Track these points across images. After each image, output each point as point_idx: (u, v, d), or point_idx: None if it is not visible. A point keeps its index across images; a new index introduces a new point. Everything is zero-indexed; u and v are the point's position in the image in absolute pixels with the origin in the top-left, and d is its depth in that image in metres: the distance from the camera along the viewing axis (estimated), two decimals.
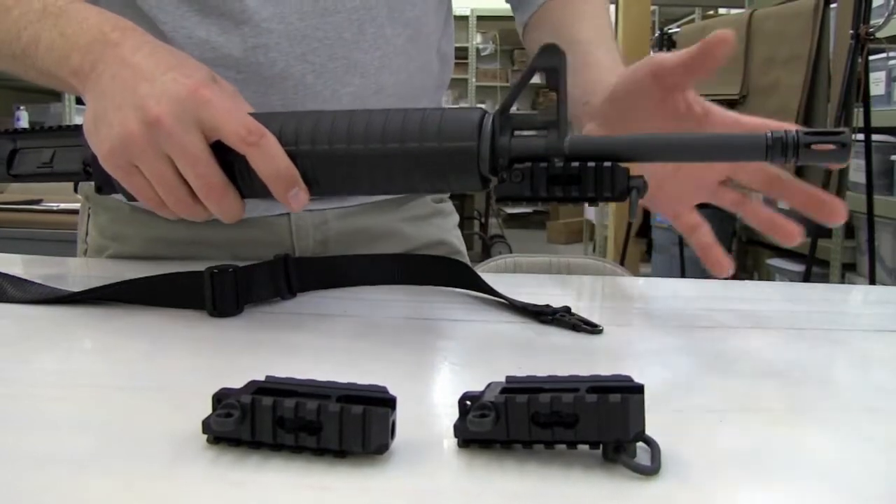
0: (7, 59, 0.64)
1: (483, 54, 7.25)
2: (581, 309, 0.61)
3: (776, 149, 0.46)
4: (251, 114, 0.55)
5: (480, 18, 6.76)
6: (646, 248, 4.02)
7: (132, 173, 0.55)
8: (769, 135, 0.46)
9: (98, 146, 0.56)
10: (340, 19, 0.72)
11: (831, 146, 0.46)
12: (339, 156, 0.53)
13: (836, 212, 0.56)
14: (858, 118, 2.35)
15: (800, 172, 2.45)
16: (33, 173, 0.65)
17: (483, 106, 0.52)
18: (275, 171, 0.53)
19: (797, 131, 0.46)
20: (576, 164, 0.48)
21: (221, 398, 0.36)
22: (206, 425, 0.36)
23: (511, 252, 3.12)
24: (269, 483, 0.34)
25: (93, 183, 0.83)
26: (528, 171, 0.49)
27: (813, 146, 0.46)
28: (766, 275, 3.51)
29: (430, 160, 0.52)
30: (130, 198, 0.58)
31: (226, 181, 0.55)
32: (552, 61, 0.47)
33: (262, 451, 0.36)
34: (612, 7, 4.56)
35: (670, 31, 3.42)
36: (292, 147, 0.54)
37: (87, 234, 0.88)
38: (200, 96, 0.53)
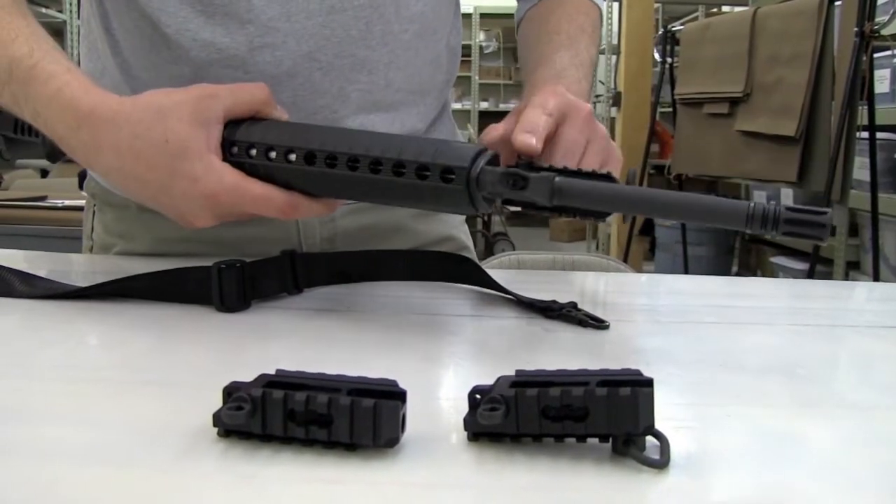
0: None
1: (486, 52, 7.26)
2: (586, 305, 0.61)
3: (756, 219, 0.47)
4: (256, 122, 0.59)
5: (484, 16, 6.76)
6: (649, 245, 4.03)
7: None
8: (752, 205, 0.47)
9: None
10: (347, 17, 0.72)
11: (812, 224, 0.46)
12: (334, 179, 0.56)
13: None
14: (863, 116, 2.35)
15: (803, 176, 2.45)
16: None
17: (471, 137, 0.57)
18: (316, 214, 0.61)
19: (777, 207, 0.47)
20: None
21: (232, 391, 0.36)
22: (217, 418, 0.36)
23: (514, 249, 3.12)
24: (280, 476, 0.34)
25: (99, 181, 0.84)
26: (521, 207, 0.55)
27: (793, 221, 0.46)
28: (770, 273, 3.52)
29: (427, 204, 0.57)
30: None
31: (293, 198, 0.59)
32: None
33: (273, 444, 0.36)
34: (616, 5, 4.57)
35: (674, 28, 3.41)
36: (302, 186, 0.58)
37: (92, 231, 0.88)
38: (223, 202, 0.58)
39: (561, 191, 0.51)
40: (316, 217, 0.57)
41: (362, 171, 0.54)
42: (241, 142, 0.58)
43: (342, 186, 0.57)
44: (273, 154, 0.57)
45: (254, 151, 0.58)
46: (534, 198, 0.52)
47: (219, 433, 0.37)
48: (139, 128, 0.57)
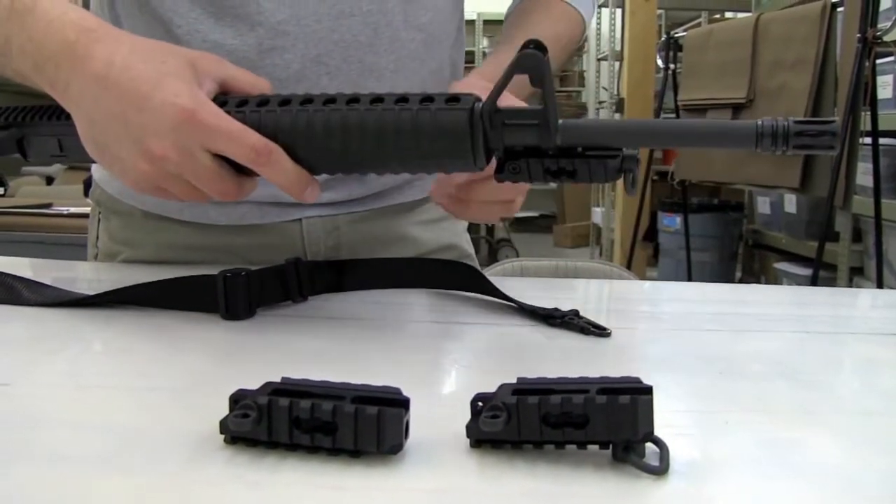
0: None
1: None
2: (588, 312, 0.61)
3: (766, 136, 0.46)
4: (241, 103, 0.56)
5: (487, 23, 6.78)
6: (652, 252, 4.02)
7: (159, 192, 0.57)
8: (760, 123, 0.46)
9: (117, 176, 0.57)
10: (356, 22, 0.73)
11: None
12: (334, 150, 0.54)
13: None
14: (866, 122, 2.35)
15: (806, 182, 2.45)
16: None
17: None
18: (287, 181, 0.54)
19: (788, 120, 0.46)
20: (569, 160, 0.50)
21: (238, 399, 0.37)
22: (224, 426, 0.37)
23: (517, 256, 3.13)
24: (286, 482, 0.35)
25: (105, 188, 0.84)
26: (526, 166, 0.51)
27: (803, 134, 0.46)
28: (774, 279, 3.51)
29: (428, 161, 0.53)
30: None
31: (240, 181, 0.55)
32: (533, 61, 0.48)
33: (279, 451, 0.37)
34: (619, 12, 4.58)
35: (676, 35, 3.41)
36: (289, 140, 0.54)
37: (97, 238, 0.88)
38: (198, 122, 0.52)
39: (567, 129, 0.49)
40: (285, 188, 0.54)
41: (363, 103, 0.52)
42: (234, 98, 0.56)
43: (334, 139, 0.53)
44: (267, 106, 0.54)
45: (246, 107, 0.55)
46: (540, 138, 0.50)
47: (225, 440, 0.38)
48: (140, 48, 0.56)
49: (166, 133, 0.52)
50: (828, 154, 0.45)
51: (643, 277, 3.32)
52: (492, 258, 5.01)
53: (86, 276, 0.82)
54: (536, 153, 0.51)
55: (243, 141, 0.53)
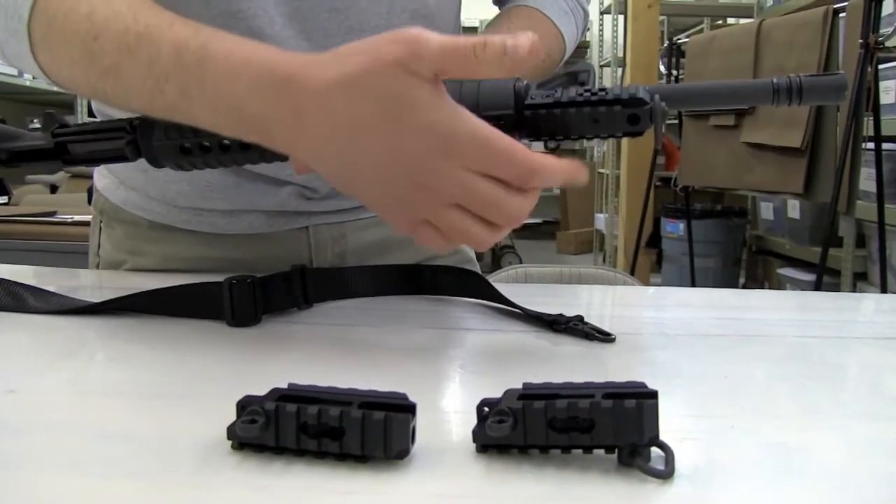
0: (137, 108, 0.56)
1: None
2: (593, 318, 0.61)
3: (782, 92, 0.52)
4: None
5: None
6: (656, 258, 4.02)
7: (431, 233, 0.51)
8: (775, 80, 0.52)
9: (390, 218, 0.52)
10: (366, 38, 0.73)
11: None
12: None
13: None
14: (868, 127, 2.35)
15: (809, 187, 2.45)
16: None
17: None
18: (565, 176, 0.49)
19: (799, 76, 0.52)
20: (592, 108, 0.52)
21: (245, 405, 0.37)
22: (232, 431, 0.37)
23: (521, 262, 3.12)
24: (293, 487, 0.35)
25: (108, 197, 0.84)
26: (545, 117, 0.53)
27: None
28: (777, 284, 3.51)
29: None
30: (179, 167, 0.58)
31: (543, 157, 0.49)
32: (584, 66, 0.54)
33: (286, 457, 0.37)
34: (621, 18, 4.58)
35: (679, 41, 3.42)
36: None
37: (98, 247, 0.88)
38: (462, 151, 0.46)
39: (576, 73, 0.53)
40: (560, 184, 0.49)
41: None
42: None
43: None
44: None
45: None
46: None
47: (233, 446, 0.38)
48: (347, 82, 0.47)
49: (437, 170, 0.47)
50: (836, 103, 0.54)
51: (647, 283, 3.32)
52: (495, 265, 5.01)
53: (91, 284, 0.82)
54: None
55: (516, 160, 0.47)
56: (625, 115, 0.51)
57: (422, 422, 0.38)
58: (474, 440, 0.38)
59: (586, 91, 0.52)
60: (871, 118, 2.35)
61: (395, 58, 0.46)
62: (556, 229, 6.50)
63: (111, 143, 0.59)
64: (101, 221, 0.88)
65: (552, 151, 0.53)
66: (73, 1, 0.56)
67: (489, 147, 0.46)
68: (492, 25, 0.82)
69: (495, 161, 0.47)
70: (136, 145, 0.58)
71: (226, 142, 0.56)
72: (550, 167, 0.47)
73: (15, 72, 3.71)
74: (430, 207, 0.49)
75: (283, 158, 0.55)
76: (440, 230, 0.50)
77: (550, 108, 0.52)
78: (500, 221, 0.49)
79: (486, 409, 0.38)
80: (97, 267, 0.88)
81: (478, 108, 0.51)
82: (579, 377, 0.39)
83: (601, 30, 5.85)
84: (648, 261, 3.97)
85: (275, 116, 0.49)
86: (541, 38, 0.79)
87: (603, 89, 0.52)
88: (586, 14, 0.91)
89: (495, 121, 0.49)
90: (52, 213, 2.30)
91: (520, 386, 0.38)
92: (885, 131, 2.38)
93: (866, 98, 2.31)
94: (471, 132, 0.46)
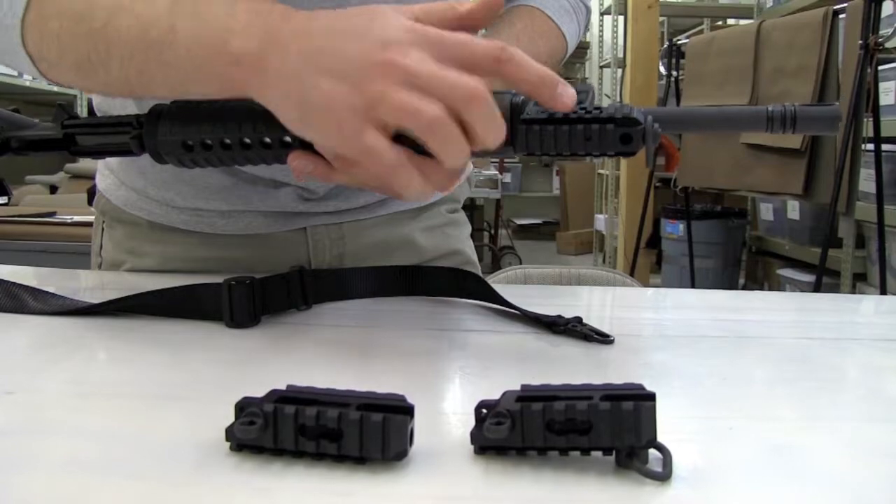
0: (118, 61, 0.55)
1: None
2: (592, 319, 0.62)
3: (776, 120, 0.52)
4: None
5: None
6: (656, 259, 4.02)
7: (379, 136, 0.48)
8: (769, 108, 0.53)
9: (330, 128, 0.49)
10: None
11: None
12: None
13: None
14: (868, 128, 2.35)
15: (809, 188, 2.45)
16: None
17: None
18: (538, 76, 0.48)
19: (794, 105, 0.53)
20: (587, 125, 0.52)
21: (244, 407, 0.37)
22: (230, 433, 0.37)
23: (521, 263, 3.13)
24: (292, 489, 0.35)
25: (109, 198, 0.85)
26: (538, 133, 0.53)
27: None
28: (777, 285, 3.51)
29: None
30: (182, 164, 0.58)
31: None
32: (584, 87, 0.54)
33: (285, 458, 0.37)
34: (621, 19, 4.58)
35: (679, 42, 3.42)
36: None
37: (100, 247, 0.89)
38: (427, 35, 0.47)
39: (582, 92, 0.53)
40: (536, 85, 0.48)
41: None
42: None
43: None
44: None
45: None
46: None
47: (231, 447, 0.38)
48: (333, 12, 0.50)
49: (397, 45, 0.47)
50: (830, 134, 0.53)
51: (646, 284, 3.32)
52: (495, 266, 5.01)
53: (90, 285, 0.82)
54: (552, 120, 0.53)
55: (475, 41, 0.48)
56: (617, 134, 0.52)
57: (420, 423, 0.38)
58: (472, 442, 0.38)
59: (581, 108, 0.52)
60: (871, 119, 2.35)
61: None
62: (555, 230, 6.51)
63: (117, 137, 0.60)
64: (103, 222, 0.88)
65: (545, 167, 0.54)
66: None
67: (458, 35, 0.48)
68: (493, 25, 0.82)
69: (463, 43, 0.48)
70: (141, 140, 0.59)
71: (227, 140, 0.56)
72: (523, 58, 0.48)
73: (15, 72, 3.71)
74: (383, 85, 0.46)
75: (281, 161, 0.55)
76: (387, 130, 0.48)
77: (544, 124, 0.52)
78: (460, 100, 0.47)
79: (485, 410, 0.38)
80: (99, 267, 0.88)
81: None
82: (578, 379, 0.39)
83: (601, 30, 5.85)
84: (648, 262, 3.97)
85: (260, 24, 0.50)
86: (543, 38, 0.79)
87: (598, 108, 0.53)
88: (588, 10, 0.90)
89: None
90: (52, 214, 2.30)
91: (518, 388, 0.38)
92: (884, 132, 2.39)
93: (866, 99, 2.31)
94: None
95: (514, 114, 0.53)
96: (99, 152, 0.64)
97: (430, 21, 0.50)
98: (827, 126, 0.53)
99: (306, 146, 0.53)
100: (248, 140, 0.56)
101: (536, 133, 0.52)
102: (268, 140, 0.55)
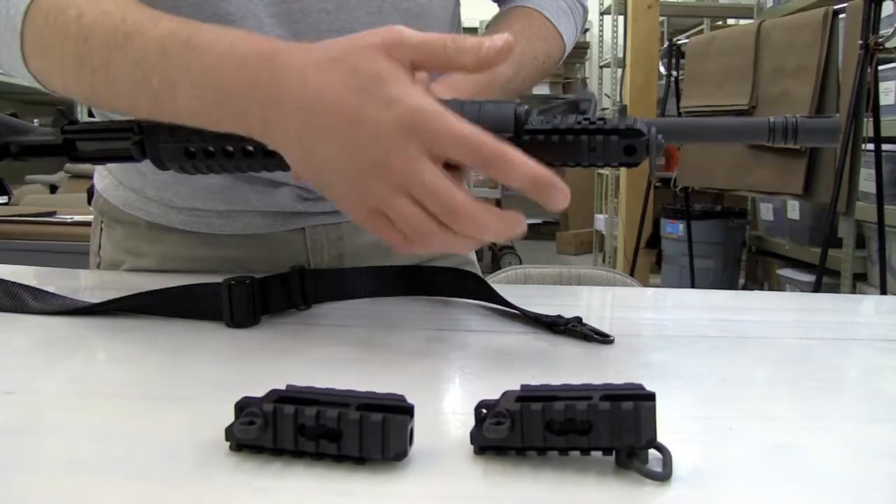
0: (123, 106, 0.57)
1: None
2: (592, 319, 0.62)
3: (778, 132, 0.53)
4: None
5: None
6: (655, 258, 4.02)
7: (384, 226, 0.51)
8: (771, 120, 0.53)
9: (350, 208, 0.52)
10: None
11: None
12: None
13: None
14: (868, 128, 2.35)
15: (809, 188, 2.45)
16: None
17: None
18: (531, 179, 0.47)
19: (795, 117, 0.53)
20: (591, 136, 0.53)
21: (244, 407, 0.37)
22: (230, 433, 0.37)
23: (521, 263, 3.13)
24: (292, 489, 0.35)
25: (107, 198, 0.85)
26: (542, 144, 0.53)
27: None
28: (777, 285, 3.51)
29: None
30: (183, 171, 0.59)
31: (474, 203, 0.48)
32: (586, 95, 0.55)
33: (284, 458, 0.37)
34: (621, 19, 4.58)
35: (679, 42, 3.42)
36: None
37: (99, 247, 0.89)
38: (421, 127, 0.47)
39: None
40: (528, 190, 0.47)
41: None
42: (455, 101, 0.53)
43: None
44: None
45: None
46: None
47: (231, 447, 0.38)
48: (323, 59, 0.49)
49: (395, 151, 0.47)
50: (830, 146, 0.53)
51: (646, 284, 3.32)
52: (495, 265, 5.01)
53: (90, 285, 0.82)
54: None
55: (472, 146, 0.47)
56: (621, 145, 0.52)
57: (420, 423, 0.38)
58: (472, 442, 0.38)
59: (585, 119, 0.53)
60: (871, 119, 2.35)
61: (376, 41, 0.49)
62: (555, 230, 6.51)
63: (118, 143, 0.61)
64: (101, 222, 0.88)
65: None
66: (63, 5, 0.57)
67: (451, 125, 0.47)
68: (490, 27, 0.82)
69: (456, 140, 0.47)
70: (142, 146, 0.59)
71: (229, 148, 0.56)
72: (515, 160, 0.47)
73: None
74: (382, 192, 0.48)
75: (284, 168, 0.56)
76: (394, 222, 0.50)
77: (549, 135, 0.52)
78: (446, 216, 0.48)
79: (484, 410, 0.38)
80: (98, 267, 0.88)
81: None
82: (578, 379, 0.39)
83: (601, 30, 5.85)
84: (648, 261, 3.97)
85: (254, 96, 0.51)
86: (540, 40, 0.79)
87: (602, 119, 0.53)
88: (585, 10, 0.90)
89: None
90: (52, 214, 2.30)
91: (518, 388, 0.38)
92: (884, 132, 2.39)
93: (866, 99, 2.31)
94: (436, 109, 0.47)
95: (518, 124, 0.53)
96: (99, 158, 0.64)
97: (430, 63, 0.50)
98: (827, 138, 0.54)
99: None
100: (250, 148, 0.56)
101: (540, 144, 0.52)
102: (271, 149, 0.55)
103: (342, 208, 0.53)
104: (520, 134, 0.53)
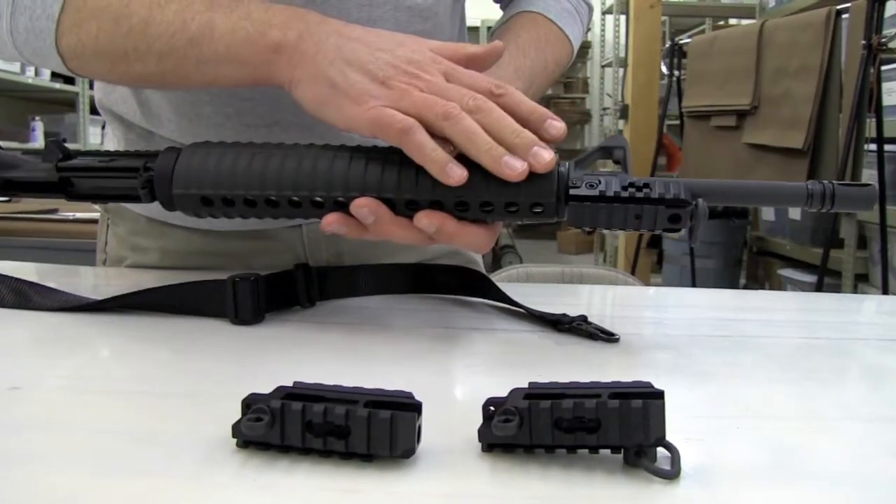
0: (156, 57, 0.59)
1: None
2: (594, 318, 0.61)
3: (816, 197, 0.53)
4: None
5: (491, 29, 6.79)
6: (656, 258, 4.02)
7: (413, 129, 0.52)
8: (809, 185, 0.54)
9: (362, 111, 0.54)
10: None
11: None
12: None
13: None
14: (871, 128, 2.35)
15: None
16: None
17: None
18: (528, 110, 0.54)
19: (831, 184, 0.54)
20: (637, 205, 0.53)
21: (251, 403, 0.37)
22: (237, 430, 0.37)
23: (521, 262, 3.13)
24: (299, 486, 0.35)
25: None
26: (589, 209, 0.53)
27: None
28: (778, 285, 3.51)
29: (518, 215, 0.55)
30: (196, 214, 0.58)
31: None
32: (619, 142, 0.56)
33: (291, 455, 0.37)
34: (623, 18, 4.58)
35: (681, 41, 3.42)
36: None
37: (106, 244, 0.89)
38: (444, 63, 0.56)
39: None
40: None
41: None
42: None
43: None
44: None
45: None
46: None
47: (238, 444, 0.38)
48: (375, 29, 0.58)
49: (418, 62, 0.55)
50: (864, 210, 0.57)
51: (647, 284, 3.32)
52: (495, 264, 5.01)
53: (93, 282, 0.82)
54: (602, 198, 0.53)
55: (480, 77, 0.56)
56: (667, 214, 0.52)
57: (427, 421, 0.38)
58: (480, 439, 0.38)
59: (631, 186, 0.53)
60: (874, 119, 2.35)
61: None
62: (556, 229, 6.50)
63: (121, 182, 0.59)
64: (108, 219, 0.89)
65: (588, 234, 0.56)
66: None
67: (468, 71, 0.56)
68: (496, 35, 0.82)
69: (471, 76, 0.56)
70: (152, 189, 0.58)
71: (250, 196, 0.55)
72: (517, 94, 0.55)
73: (16, 68, 3.71)
74: (399, 71, 0.54)
75: (306, 217, 0.57)
76: (400, 100, 0.53)
77: (596, 202, 0.53)
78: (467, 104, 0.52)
79: (492, 408, 0.38)
80: (104, 263, 0.89)
81: (520, 195, 0.53)
82: (584, 377, 0.39)
83: (603, 30, 5.85)
84: (649, 261, 3.97)
85: (302, 18, 0.57)
86: (549, 47, 0.79)
87: (646, 185, 0.53)
88: (590, 9, 0.90)
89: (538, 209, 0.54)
90: (54, 211, 2.29)
91: (525, 385, 0.38)
92: (887, 133, 2.39)
93: (869, 99, 2.31)
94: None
95: (561, 188, 0.53)
96: (100, 196, 0.62)
97: (444, 55, 0.57)
98: (862, 205, 0.55)
99: (339, 206, 0.55)
100: (274, 198, 0.55)
101: (588, 209, 0.53)
102: (296, 199, 0.55)
103: (345, 112, 0.54)
104: (565, 198, 0.53)
